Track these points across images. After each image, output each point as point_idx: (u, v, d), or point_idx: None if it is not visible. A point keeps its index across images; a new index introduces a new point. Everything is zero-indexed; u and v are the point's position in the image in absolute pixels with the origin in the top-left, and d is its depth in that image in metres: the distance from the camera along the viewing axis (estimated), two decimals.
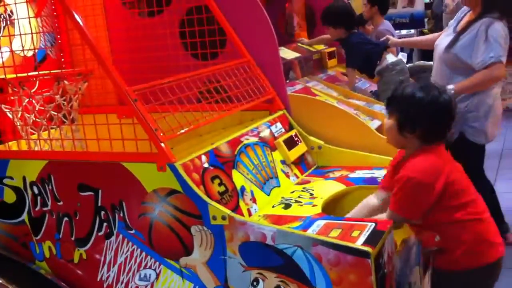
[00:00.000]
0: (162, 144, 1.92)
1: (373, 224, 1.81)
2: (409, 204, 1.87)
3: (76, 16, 2.03)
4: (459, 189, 1.90)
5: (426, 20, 7.88)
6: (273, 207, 2.09)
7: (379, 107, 3.00)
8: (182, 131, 2.01)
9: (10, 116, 2.37)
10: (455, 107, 1.96)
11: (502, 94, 3.41)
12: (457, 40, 3.07)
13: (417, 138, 1.91)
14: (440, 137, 1.95)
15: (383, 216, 1.92)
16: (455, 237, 1.90)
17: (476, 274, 1.91)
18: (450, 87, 2.99)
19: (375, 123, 2.78)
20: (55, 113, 2.43)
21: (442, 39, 3.24)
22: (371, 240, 1.71)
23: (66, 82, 2.46)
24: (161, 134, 1.93)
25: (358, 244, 1.69)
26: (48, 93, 2.42)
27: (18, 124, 2.35)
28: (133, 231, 2.00)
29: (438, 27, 6.57)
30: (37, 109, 2.37)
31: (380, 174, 2.31)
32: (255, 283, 1.81)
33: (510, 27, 3.09)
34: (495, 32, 2.96)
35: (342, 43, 3.43)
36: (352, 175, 2.35)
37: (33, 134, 2.33)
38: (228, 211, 1.85)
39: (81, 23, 2.03)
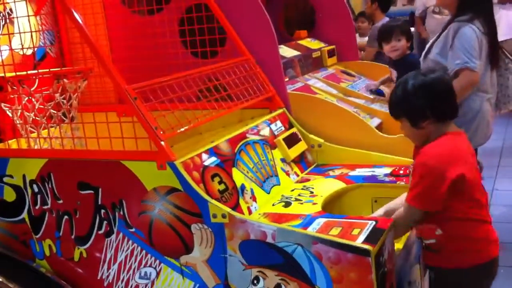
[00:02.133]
0: (162, 143, 1.92)
1: (374, 222, 1.81)
2: (424, 194, 1.82)
3: (76, 15, 2.03)
4: (473, 185, 1.88)
5: None
6: (273, 205, 2.09)
7: (379, 105, 3.00)
8: (182, 129, 2.01)
9: (10, 114, 2.37)
10: (449, 81, 1.97)
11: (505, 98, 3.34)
12: (431, 46, 3.05)
13: (433, 122, 1.90)
14: (452, 111, 1.94)
15: (400, 211, 1.89)
16: (458, 234, 1.88)
17: (473, 273, 1.90)
18: None
19: (375, 121, 2.78)
20: (55, 112, 2.43)
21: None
22: (372, 238, 1.72)
23: (65, 80, 2.46)
24: (161, 133, 1.93)
25: (358, 242, 1.69)
26: (48, 91, 2.42)
27: (18, 122, 2.34)
28: (133, 230, 2.00)
29: None
30: (36, 107, 2.36)
31: (380, 172, 2.31)
32: (255, 281, 1.81)
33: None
34: (461, 37, 2.87)
35: (402, 60, 3.29)
36: (352, 173, 2.34)
37: (33, 132, 2.33)
38: (228, 209, 1.85)
39: (80, 22, 2.02)
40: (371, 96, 3.18)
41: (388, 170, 2.31)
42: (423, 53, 3.10)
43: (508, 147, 5.45)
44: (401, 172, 2.26)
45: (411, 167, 1.94)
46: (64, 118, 2.46)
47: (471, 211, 1.88)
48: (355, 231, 1.76)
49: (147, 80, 2.05)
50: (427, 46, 3.10)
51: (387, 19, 4.74)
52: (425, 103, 1.89)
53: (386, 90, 3.32)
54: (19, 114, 2.33)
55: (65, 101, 2.47)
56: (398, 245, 1.91)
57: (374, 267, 1.65)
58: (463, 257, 1.89)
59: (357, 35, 4.99)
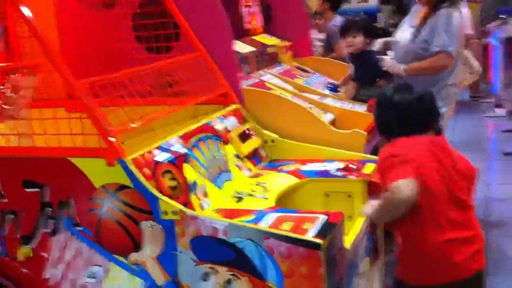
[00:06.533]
0: (112, 139, 1.88)
1: (325, 217, 1.82)
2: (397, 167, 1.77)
3: (23, 8, 1.97)
4: (435, 193, 1.80)
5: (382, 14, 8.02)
6: (225, 201, 2.08)
7: (332, 101, 3.02)
8: (133, 125, 1.97)
9: None
10: (418, 100, 1.92)
11: None
12: (418, 33, 3.13)
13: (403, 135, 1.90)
14: (418, 127, 1.91)
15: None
16: (411, 246, 1.85)
17: None
18: (402, 67, 3.08)
19: (328, 117, 2.80)
20: (5, 107, 2.35)
21: (402, 34, 3.31)
22: (322, 232, 1.73)
23: (16, 75, 2.39)
24: (111, 129, 1.89)
25: (309, 236, 1.70)
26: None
27: None
28: (81, 228, 1.96)
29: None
30: None
31: (332, 166, 2.33)
32: (206, 278, 1.80)
33: None
34: (450, 21, 3.04)
35: (359, 56, 3.31)
36: (304, 168, 2.36)
37: None
38: (179, 206, 1.83)
39: (28, 15, 1.97)
40: (326, 92, 3.20)
41: (340, 165, 2.33)
42: (410, 38, 3.18)
43: (459, 142, 5.58)
44: (353, 166, 2.28)
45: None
46: (13, 115, 2.39)
47: (427, 222, 1.79)
48: (307, 225, 1.77)
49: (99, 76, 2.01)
50: (412, 33, 3.19)
51: (338, 17, 4.78)
52: (386, 121, 1.95)
53: (343, 87, 3.35)
54: None
55: (13, 96, 2.40)
56: (348, 239, 1.93)
57: (324, 260, 1.66)
58: (414, 274, 1.85)
59: (315, 31, 5.03)
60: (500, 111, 6.69)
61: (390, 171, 1.77)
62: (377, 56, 3.28)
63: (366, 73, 3.22)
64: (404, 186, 1.72)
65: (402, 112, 1.92)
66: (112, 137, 1.88)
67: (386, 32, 4.20)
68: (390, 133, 1.94)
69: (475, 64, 3.68)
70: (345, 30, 3.30)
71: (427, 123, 1.94)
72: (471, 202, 1.89)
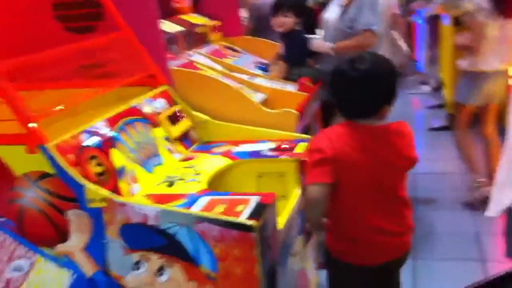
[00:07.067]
0: (31, 125, 1.78)
1: (257, 198, 1.81)
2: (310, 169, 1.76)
3: None
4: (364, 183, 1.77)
5: None
6: (156, 185, 2.02)
7: (263, 80, 3.01)
8: (56, 109, 1.88)
9: None
10: (368, 77, 1.75)
11: None
12: (345, 12, 3.17)
13: (343, 116, 1.81)
14: (358, 112, 1.77)
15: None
16: (334, 216, 1.85)
17: (345, 268, 1.88)
18: (331, 45, 3.13)
19: (259, 97, 2.78)
20: None
21: (330, 13, 3.34)
22: (255, 213, 1.71)
23: None
24: (31, 114, 1.79)
25: (242, 218, 1.68)
26: None
27: None
28: (2, 219, 1.86)
29: None
30: None
31: (264, 147, 2.32)
32: (137, 266, 1.75)
33: None
34: (379, 0, 3.18)
35: (289, 35, 3.27)
36: (236, 149, 2.33)
37: None
38: (106, 193, 1.77)
39: None
40: (256, 72, 3.18)
41: (272, 145, 2.33)
42: (335, 19, 3.27)
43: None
44: (285, 146, 2.28)
45: None
46: None
47: (356, 206, 1.80)
48: (239, 208, 1.75)
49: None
50: (341, 12, 3.26)
51: None
52: (332, 97, 1.84)
53: (273, 67, 3.33)
54: None
55: None
56: (281, 219, 1.93)
57: (257, 242, 1.65)
58: (335, 245, 1.90)
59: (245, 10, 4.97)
60: (425, 88, 6.94)
61: (309, 170, 1.78)
62: (306, 36, 3.30)
63: (296, 53, 3.22)
64: (314, 191, 1.74)
65: (342, 91, 1.78)
66: (32, 122, 1.78)
67: (314, 12, 4.21)
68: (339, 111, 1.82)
69: (403, 45, 3.78)
70: (276, 9, 3.28)
71: (374, 107, 1.77)
72: (405, 196, 1.86)
